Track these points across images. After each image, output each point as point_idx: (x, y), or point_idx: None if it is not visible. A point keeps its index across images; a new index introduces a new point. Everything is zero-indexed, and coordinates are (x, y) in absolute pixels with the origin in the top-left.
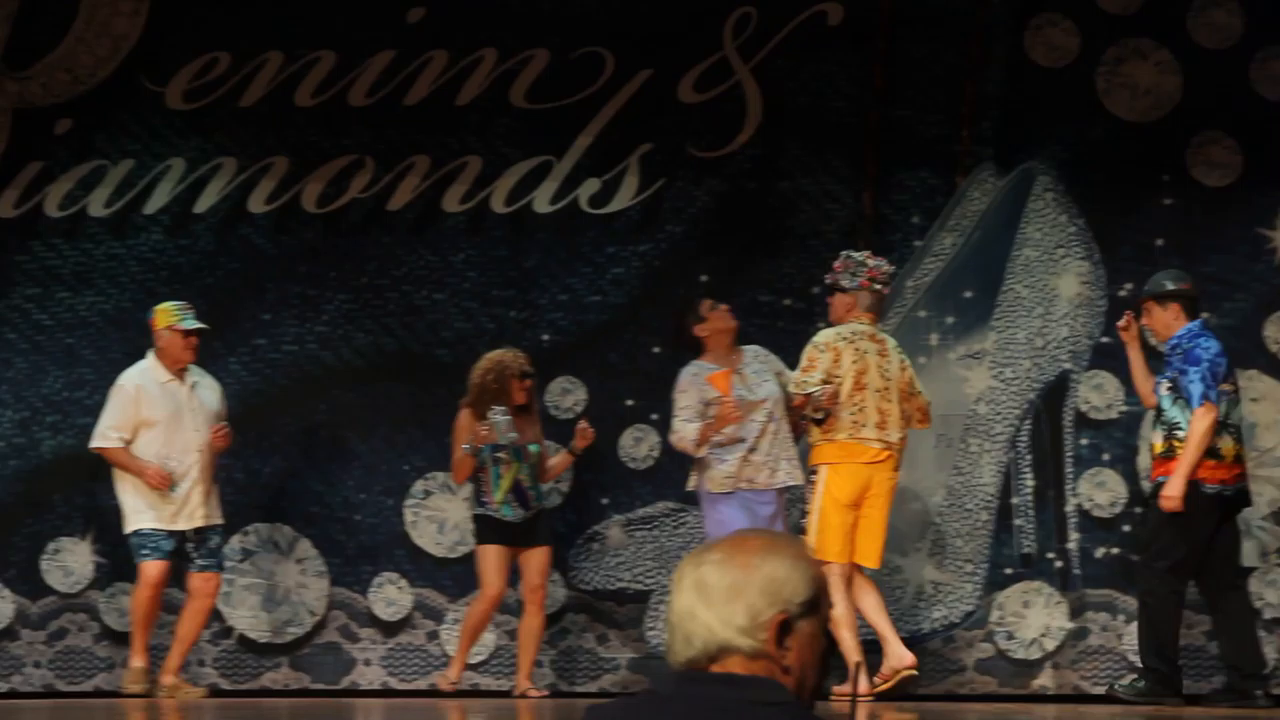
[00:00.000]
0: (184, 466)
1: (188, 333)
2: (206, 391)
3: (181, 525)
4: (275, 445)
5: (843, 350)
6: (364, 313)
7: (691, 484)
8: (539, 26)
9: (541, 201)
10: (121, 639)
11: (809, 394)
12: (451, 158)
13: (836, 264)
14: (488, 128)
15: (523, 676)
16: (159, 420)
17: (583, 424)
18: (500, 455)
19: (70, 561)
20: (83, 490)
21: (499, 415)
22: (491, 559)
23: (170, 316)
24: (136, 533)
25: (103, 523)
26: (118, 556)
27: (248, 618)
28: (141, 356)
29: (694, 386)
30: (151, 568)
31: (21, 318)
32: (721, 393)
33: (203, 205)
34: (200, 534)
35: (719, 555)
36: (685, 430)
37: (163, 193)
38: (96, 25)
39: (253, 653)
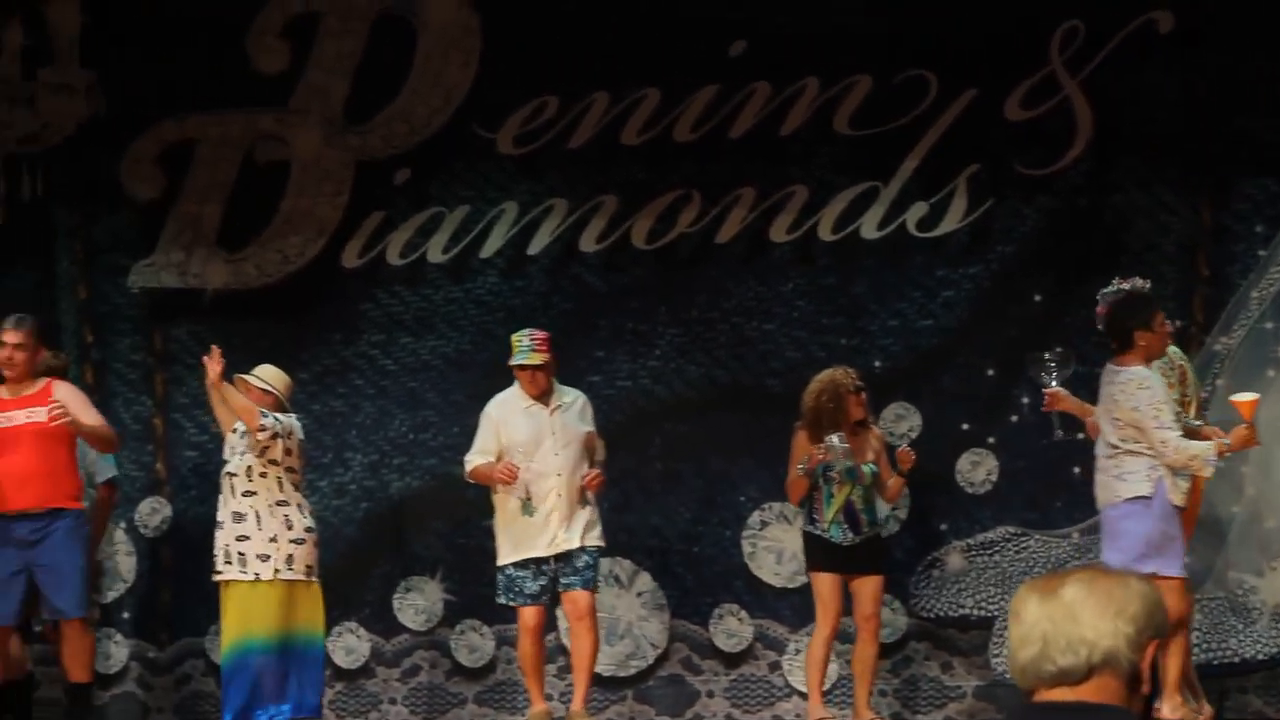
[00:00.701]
0: (543, 490)
1: (521, 367)
2: (571, 415)
3: (541, 551)
4: (612, 480)
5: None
6: (695, 346)
7: (1143, 490)
8: (860, 52)
9: (869, 227)
10: (472, 675)
11: None
12: (777, 188)
13: (1099, 308)
14: (812, 156)
15: (861, 705)
16: (520, 444)
17: (902, 449)
18: (833, 475)
19: (421, 600)
20: (431, 530)
21: (836, 440)
22: (824, 585)
23: (512, 348)
24: (501, 571)
25: (451, 561)
26: (467, 594)
27: None
28: (481, 399)
29: (1171, 400)
30: (524, 613)
31: (368, 364)
32: (1246, 419)
33: (536, 247)
34: (566, 555)
35: (1090, 574)
36: (1197, 447)
37: (497, 236)
38: (430, 77)
39: (598, 686)
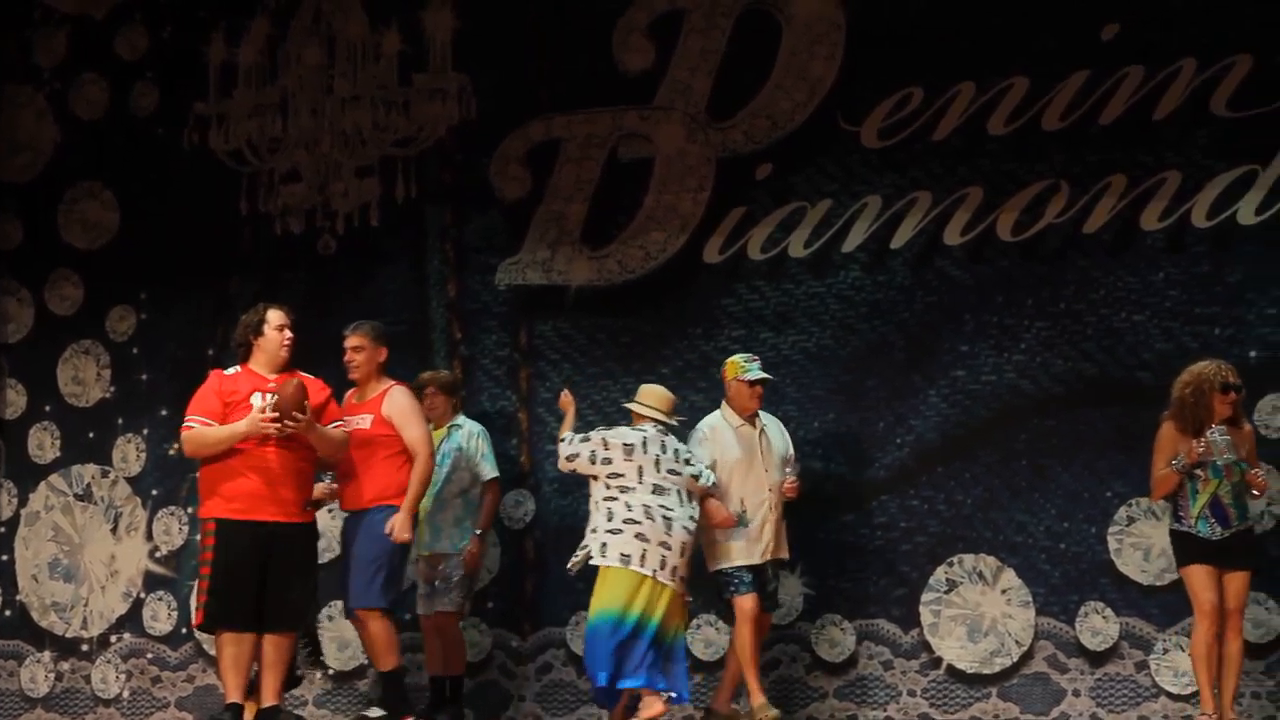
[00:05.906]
0: (756, 503)
1: (753, 383)
2: (775, 435)
3: (757, 559)
4: (977, 475)
5: None
6: (1062, 338)
7: None
8: (1240, 31)
9: (1246, 213)
10: (831, 669)
11: None
12: (1148, 175)
13: None
14: (1186, 140)
15: (1226, 706)
16: (734, 462)
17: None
18: (1198, 471)
19: (782, 595)
20: (791, 524)
21: (1218, 435)
22: (1198, 577)
23: (737, 369)
24: (721, 572)
25: (811, 556)
26: (825, 588)
27: (955, 648)
28: (843, 394)
29: None
30: (746, 601)
31: (726, 358)
32: None
33: (898, 240)
34: (765, 572)
35: None
36: None
37: (859, 230)
38: (794, 71)
39: (962, 683)
